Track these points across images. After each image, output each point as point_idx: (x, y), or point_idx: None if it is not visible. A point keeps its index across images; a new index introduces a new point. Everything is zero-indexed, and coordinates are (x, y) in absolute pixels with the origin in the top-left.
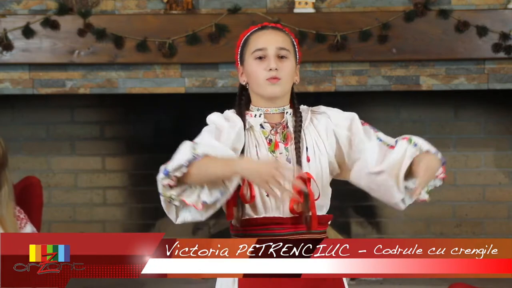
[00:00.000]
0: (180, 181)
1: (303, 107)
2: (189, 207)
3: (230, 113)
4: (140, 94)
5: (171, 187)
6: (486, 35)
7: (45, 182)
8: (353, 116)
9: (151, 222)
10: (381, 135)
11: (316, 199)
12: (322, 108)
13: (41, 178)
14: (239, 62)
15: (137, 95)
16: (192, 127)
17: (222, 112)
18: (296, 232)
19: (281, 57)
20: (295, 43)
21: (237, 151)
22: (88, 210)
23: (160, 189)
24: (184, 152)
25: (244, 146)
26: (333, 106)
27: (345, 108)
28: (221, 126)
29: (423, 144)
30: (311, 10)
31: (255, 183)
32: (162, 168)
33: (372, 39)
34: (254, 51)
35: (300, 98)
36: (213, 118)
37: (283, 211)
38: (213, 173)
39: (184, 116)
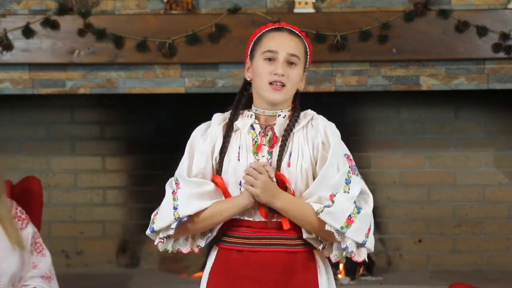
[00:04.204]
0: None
1: (307, 112)
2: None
3: (214, 122)
4: (140, 94)
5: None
6: (486, 35)
7: (45, 182)
8: (334, 141)
9: None
10: (354, 181)
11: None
12: (318, 119)
13: (41, 178)
14: (248, 56)
15: (137, 95)
16: (192, 127)
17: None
18: (263, 236)
19: (290, 63)
20: (308, 49)
21: (213, 159)
22: (88, 210)
23: (153, 239)
24: (166, 213)
25: (226, 148)
26: (333, 106)
27: (345, 108)
28: (193, 151)
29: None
30: (311, 10)
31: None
32: (150, 222)
33: (372, 39)
34: (265, 51)
35: (301, 99)
36: (193, 135)
37: (254, 216)
38: (222, 220)
39: (184, 116)
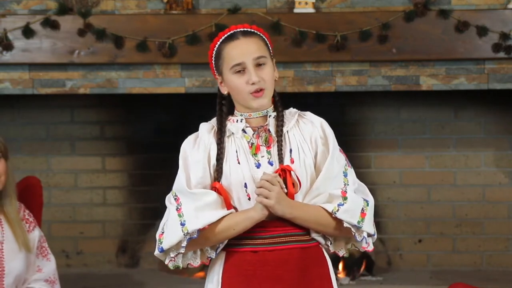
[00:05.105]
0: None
1: (291, 110)
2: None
3: (203, 131)
4: (140, 94)
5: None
6: (486, 35)
7: (45, 182)
8: (332, 135)
9: (151, 222)
10: (349, 173)
11: (296, 192)
12: (308, 115)
13: (41, 178)
14: (215, 72)
15: (137, 95)
16: (192, 127)
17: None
18: (277, 235)
19: (259, 65)
20: (267, 40)
21: (211, 167)
22: (88, 210)
23: (163, 260)
24: (174, 230)
25: (223, 154)
26: (333, 106)
27: (345, 108)
28: (188, 163)
29: (344, 214)
30: (311, 10)
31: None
32: (157, 243)
33: (372, 39)
34: (232, 66)
35: (300, 98)
36: (183, 148)
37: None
38: (234, 234)
39: (184, 116)
